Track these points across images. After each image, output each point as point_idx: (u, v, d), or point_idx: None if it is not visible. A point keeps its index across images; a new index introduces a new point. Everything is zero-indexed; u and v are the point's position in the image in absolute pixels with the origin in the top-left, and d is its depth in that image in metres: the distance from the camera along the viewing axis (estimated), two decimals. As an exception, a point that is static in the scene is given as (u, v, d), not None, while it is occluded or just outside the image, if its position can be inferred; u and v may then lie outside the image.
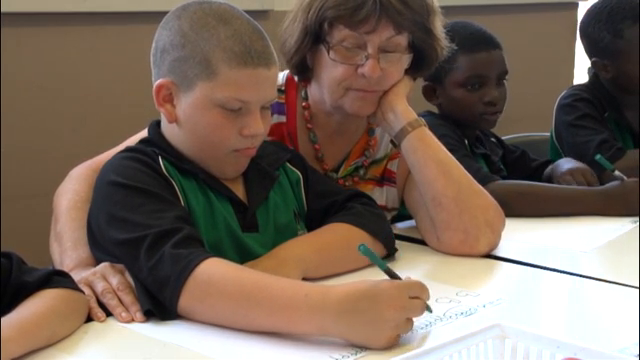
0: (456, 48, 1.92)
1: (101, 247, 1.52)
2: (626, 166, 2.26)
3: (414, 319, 1.32)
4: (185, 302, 1.36)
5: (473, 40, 2.18)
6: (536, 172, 2.34)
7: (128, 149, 1.58)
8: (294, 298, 1.31)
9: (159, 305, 1.40)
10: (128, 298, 1.42)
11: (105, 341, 1.35)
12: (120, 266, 1.47)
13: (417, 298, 1.32)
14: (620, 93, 2.49)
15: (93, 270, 1.48)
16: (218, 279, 1.36)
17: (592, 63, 2.52)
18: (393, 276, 1.36)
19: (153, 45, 1.57)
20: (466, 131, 2.22)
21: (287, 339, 1.32)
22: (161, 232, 1.41)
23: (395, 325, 1.28)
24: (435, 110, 2.25)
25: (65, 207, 1.65)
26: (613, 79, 2.47)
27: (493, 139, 2.37)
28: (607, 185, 2.15)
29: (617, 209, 2.09)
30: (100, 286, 1.44)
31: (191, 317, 1.38)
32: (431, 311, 1.36)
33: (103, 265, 1.49)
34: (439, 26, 1.82)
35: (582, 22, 2.54)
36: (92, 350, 1.31)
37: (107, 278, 1.46)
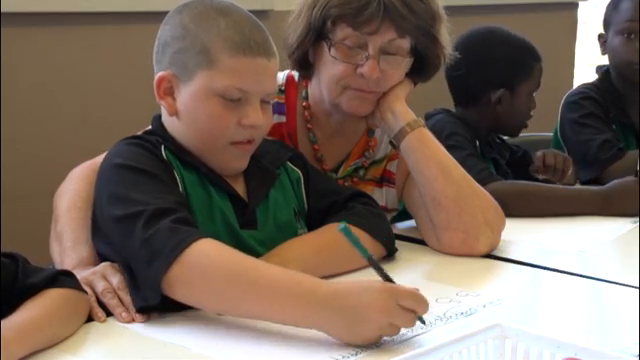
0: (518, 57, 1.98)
1: (102, 234, 1.51)
2: (626, 167, 2.26)
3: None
4: (175, 275, 1.34)
5: (537, 51, 2.29)
6: None
7: (131, 136, 1.58)
8: (286, 284, 1.32)
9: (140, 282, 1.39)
10: (128, 298, 1.42)
11: (106, 341, 1.35)
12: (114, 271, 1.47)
13: (410, 311, 1.28)
14: (623, 83, 2.49)
15: (93, 270, 1.48)
16: (215, 255, 1.35)
17: (598, 37, 2.57)
18: (377, 268, 1.34)
19: (155, 42, 1.58)
20: (481, 134, 2.25)
21: (287, 339, 1.31)
22: (160, 209, 1.40)
23: (377, 327, 1.27)
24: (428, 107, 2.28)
25: (65, 207, 1.65)
26: (609, 53, 2.52)
27: (498, 141, 2.38)
28: (606, 185, 2.15)
29: (616, 209, 2.09)
30: (100, 286, 1.44)
31: (175, 294, 1.35)
32: (424, 322, 1.34)
33: (103, 265, 1.49)
34: (445, 33, 1.82)
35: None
36: (93, 350, 1.31)
37: (107, 277, 1.45)
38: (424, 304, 1.30)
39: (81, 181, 1.68)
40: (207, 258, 1.35)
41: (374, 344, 1.28)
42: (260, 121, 1.54)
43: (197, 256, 1.34)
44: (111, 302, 1.42)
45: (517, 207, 2.02)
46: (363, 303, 1.27)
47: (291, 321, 1.32)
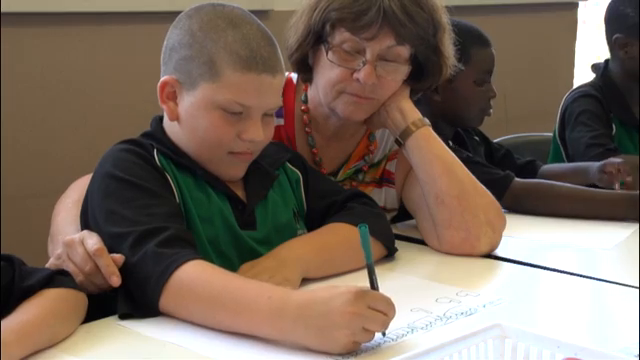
0: (457, 42, 1.88)
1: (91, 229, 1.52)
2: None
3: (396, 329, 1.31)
4: (164, 302, 1.38)
5: (481, 36, 2.19)
6: (522, 170, 2.31)
7: (127, 140, 1.58)
8: (257, 300, 1.31)
9: (138, 305, 1.41)
10: (97, 278, 1.42)
11: (105, 341, 1.35)
12: (79, 238, 1.46)
13: (381, 313, 1.27)
14: (629, 82, 2.48)
15: (57, 254, 1.47)
16: (193, 281, 1.37)
17: (614, 40, 2.50)
18: (371, 277, 1.33)
19: (164, 43, 1.57)
20: (445, 130, 2.18)
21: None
22: (147, 230, 1.42)
23: (350, 332, 1.25)
24: None
25: (62, 215, 1.65)
26: (630, 60, 2.46)
27: (476, 137, 2.35)
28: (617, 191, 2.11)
29: (623, 213, 2.05)
30: (69, 268, 1.43)
31: (169, 314, 1.40)
32: (384, 335, 1.31)
33: (62, 244, 1.47)
34: (448, 44, 1.81)
35: None
36: (93, 350, 1.31)
37: (72, 258, 1.44)
38: (394, 310, 1.29)
39: (80, 191, 1.67)
40: (185, 286, 1.37)
41: (351, 353, 1.26)
42: (260, 136, 1.54)
43: (178, 284, 1.37)
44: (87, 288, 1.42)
45: (542, 206, 2.03)
46: (334, 308, 1.25)
47: (271, 336, 1.31)
